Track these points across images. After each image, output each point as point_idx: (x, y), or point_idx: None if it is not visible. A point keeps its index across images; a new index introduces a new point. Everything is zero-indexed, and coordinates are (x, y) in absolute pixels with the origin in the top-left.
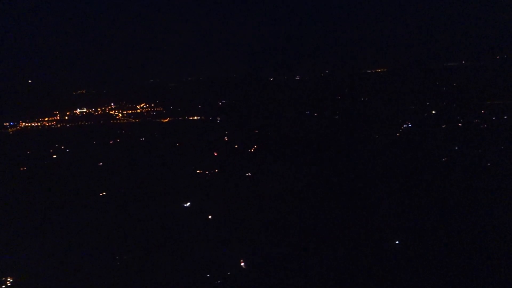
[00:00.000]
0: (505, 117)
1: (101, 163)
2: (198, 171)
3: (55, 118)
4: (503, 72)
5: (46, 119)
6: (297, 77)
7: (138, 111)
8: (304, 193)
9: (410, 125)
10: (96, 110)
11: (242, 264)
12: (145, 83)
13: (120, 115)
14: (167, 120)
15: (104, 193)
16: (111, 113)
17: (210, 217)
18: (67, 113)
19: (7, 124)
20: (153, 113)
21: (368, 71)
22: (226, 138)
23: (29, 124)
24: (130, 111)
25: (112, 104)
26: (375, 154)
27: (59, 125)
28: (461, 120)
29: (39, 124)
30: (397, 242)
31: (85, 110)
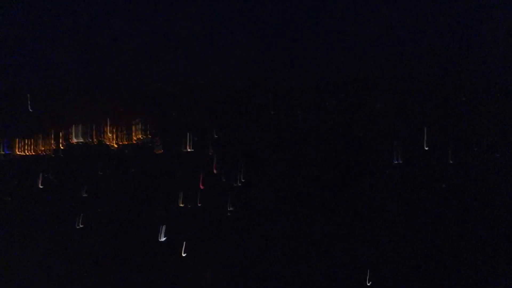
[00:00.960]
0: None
1: (85, 195)
2: (180, 205)
3: (49, 148)
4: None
5: (42, 148)
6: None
7: (134, 142)
8: (286, 229)
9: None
10: (92, 141)
11: None
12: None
13: (116, 146)
14: (160, 151)
15: (82, 226)
16: (108, 144)
17: (184, 254)
18: (63, 143)
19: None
20: (150, 145)
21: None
22: (215, 171)
23: (23, 153)
24: (126, 142)
25: (109, 133)
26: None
27: (53, 155)
28: None
29: (33, 153)
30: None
31: (81, 140)
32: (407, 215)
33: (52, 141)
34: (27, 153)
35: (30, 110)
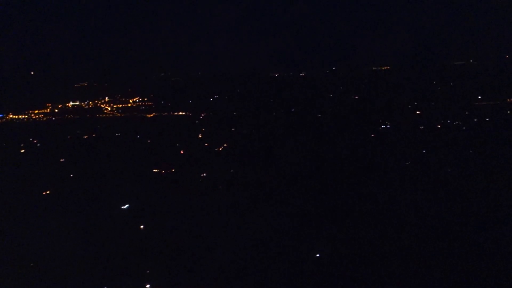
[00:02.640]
0: (487, 119)
1: (62, 159)
2: (154, 170)
3: (44, 111)
4: (503, 72)
5: (36, 111)
6: (302, 73)
7: (129, 105)
8: (251, 200)
9: (388, 126)
10: (87, 104)
11: (148, 286)
12: (148, 77)
13: (109, 108)
14: (152, 115)
15: (48, 192)
16: (101, 107)
17: (142, 226)
18: (59, 106)
19: None
20: (142, 108)
21: (372, 69)
22: (200, 136)
23: (17, 117)
24: (120, 105)
25: (106, 97)
26: (341, 155)
27: (45, 118)
28: (442, 121)
29: (26, 116)
30: (317, 255)
31: (77, 103)
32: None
33: (49, 105)
34: (21, 117)
35: (32, 73)
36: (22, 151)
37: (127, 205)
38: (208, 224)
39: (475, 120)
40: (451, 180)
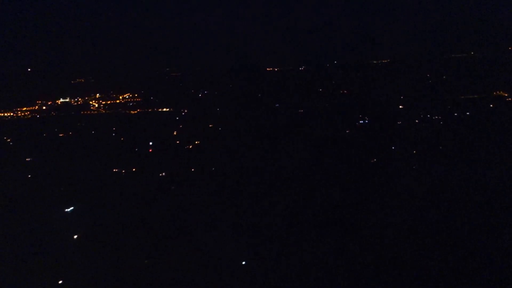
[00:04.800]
0: (467, 113)
1: (28, 159)
2: (114, 170)
3: (31, 108)
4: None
5: (24, 109)
6: (301, 68)
7: (118, 101)
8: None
9: (366, 121)
10: (77, 101)
11: None
12: (145, 73)
13: (96, 105)
14: (136, 112)
15: None
16: (90, 103)
17: (75, 236)
18: (48, 103)
19: None
20: (130, 104)
21: (369, 62)
22: (175, 133)
23: (2, 114)
24: (109, 102)
25: (98, 94)
26: (314, 152)
27: (29, 116)
28: (421, 116)
29: (12, 114)
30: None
31: (68, 100)
32: None
33: (39, 102)
34: (7, 115)
35: (29, 69)
36: None
37: (72, 208)
38: (145, 234)
39: (455, 114)
40: (421, 177)
